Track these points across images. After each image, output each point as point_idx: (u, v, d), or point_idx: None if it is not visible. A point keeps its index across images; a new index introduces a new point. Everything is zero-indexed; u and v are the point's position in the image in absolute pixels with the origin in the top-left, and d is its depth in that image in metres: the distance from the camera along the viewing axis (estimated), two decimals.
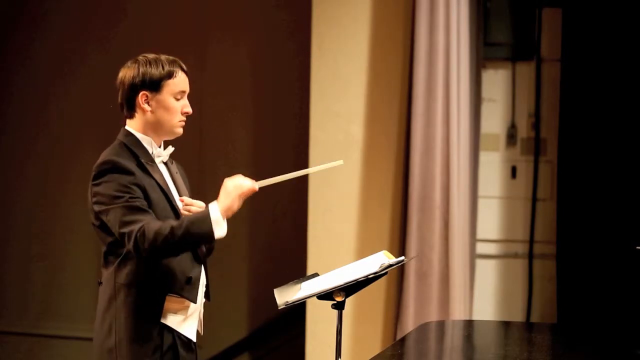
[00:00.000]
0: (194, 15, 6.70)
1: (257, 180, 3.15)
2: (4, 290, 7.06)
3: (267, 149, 6.55)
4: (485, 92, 5.48)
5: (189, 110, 3.28)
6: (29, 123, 6.95)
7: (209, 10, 6.69)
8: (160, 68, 3.23)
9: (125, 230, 3.08)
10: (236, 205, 3.11)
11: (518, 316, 5.45)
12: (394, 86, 5.28)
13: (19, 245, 7.01)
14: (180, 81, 3.25)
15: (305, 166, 5.35)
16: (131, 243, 3.07)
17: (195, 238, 3.09)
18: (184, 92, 3.27)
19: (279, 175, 3.16)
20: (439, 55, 5.06)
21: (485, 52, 5.43)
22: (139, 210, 3.11)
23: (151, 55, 3.27)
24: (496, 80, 5.50)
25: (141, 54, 3.29)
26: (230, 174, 3.17)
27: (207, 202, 3.33)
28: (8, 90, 6.97)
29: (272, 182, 3.15)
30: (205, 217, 3.08)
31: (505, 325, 4.43)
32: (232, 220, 3.25)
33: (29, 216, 6.97)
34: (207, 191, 3.60)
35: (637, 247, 3.92)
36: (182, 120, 3.28)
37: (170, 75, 3.23)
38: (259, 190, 3.15)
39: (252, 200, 3.28)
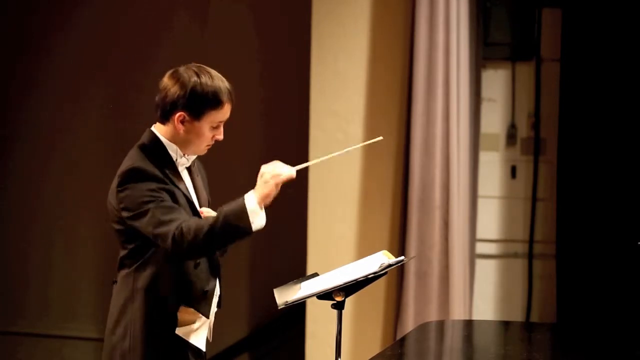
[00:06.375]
0: (193, 20, 6.70)
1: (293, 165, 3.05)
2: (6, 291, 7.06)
3: (267, 148, 6.54)
4: (485, 92, 5.48)
5: (220, 137, 3.16)
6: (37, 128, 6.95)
7: (209, 11, 6.69)
8: (210, 96, 3.08)
9: (162, 230, 3.00)
10: (273, 193, 3.01)
11: (518, 316, 5.45)
12: (393, 85, 5.27)
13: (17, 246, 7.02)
14: (223, 113, 3.13)
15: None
16: (168, 242, 2.98)
17: (233, 231, 2.99)
18: (222, 122, 3.15)
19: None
20: (438, 55, 5.06)
21: (485, 52, 5.43)
22: (172, 209, 3.04)
23: (204, 77, 3.09)
24: (496, 80, 5.50)
25: (196, 65, 3.13)
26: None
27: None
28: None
29: (309, 165, 3.09)
30: (241, 209, 2.98)
31: (505, 325, 4.43)
32: None
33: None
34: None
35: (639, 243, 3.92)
36: (210, 145, 3.18)
37: (217, 106, 3.09)
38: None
39: None
